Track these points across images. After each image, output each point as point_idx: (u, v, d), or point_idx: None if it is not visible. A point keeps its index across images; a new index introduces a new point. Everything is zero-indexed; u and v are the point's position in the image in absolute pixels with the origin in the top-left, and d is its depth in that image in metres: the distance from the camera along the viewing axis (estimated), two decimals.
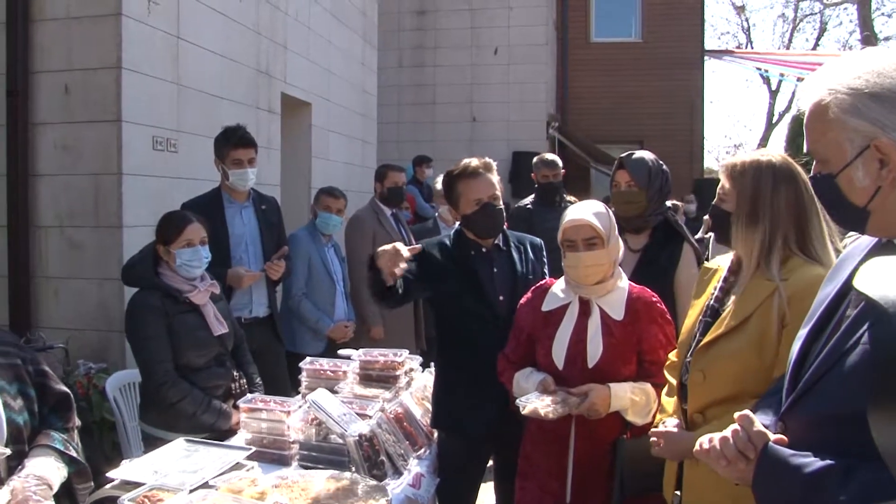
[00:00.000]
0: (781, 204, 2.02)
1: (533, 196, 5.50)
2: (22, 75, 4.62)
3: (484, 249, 3.07)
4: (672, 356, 2.37)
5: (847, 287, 1.45)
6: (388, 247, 2.68)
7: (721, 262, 2.22)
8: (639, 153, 3.33)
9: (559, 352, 2.60)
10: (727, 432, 1.43)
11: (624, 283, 2.68)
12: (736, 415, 1.44)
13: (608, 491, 2.55)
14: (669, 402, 2.25)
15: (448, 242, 3.12)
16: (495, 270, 3.05)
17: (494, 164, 3.08)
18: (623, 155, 3.33)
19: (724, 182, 2.13)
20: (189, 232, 3.19)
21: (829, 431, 1.33)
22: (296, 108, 7.47)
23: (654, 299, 2.68)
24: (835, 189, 1.39)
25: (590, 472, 2.58)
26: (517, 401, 2.54)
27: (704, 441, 1.49)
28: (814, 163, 1.45)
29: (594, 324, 2.59)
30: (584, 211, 2.63)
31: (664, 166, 3.32)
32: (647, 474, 2.37)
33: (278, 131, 6.86)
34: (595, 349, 2.55)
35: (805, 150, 1.47)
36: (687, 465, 2.11)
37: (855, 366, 1.29)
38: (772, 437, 1.39)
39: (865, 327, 1.29)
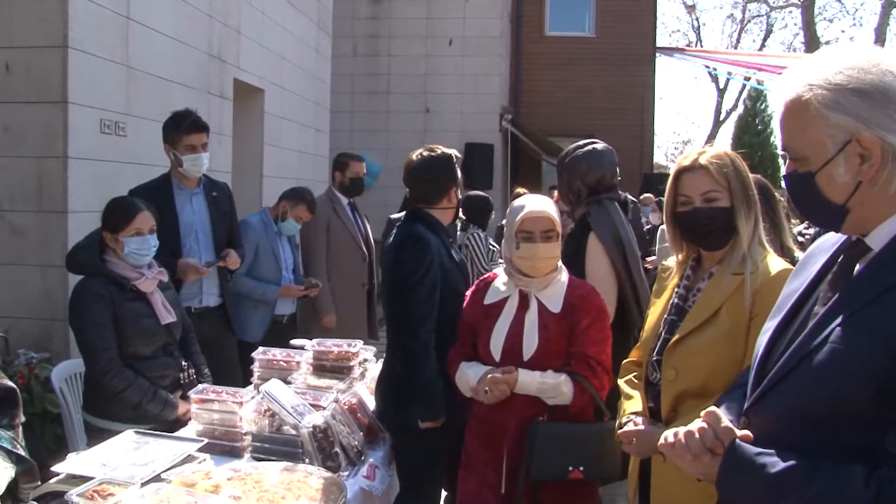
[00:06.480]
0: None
1: None
2: None
3: None
4: (632, 356, 2.33)
5: (815, 284, 1.45)
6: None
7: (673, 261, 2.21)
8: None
9: (497, 344, 2.63)
10: (693, 427, 1.41)
11: (564, 276, 2.70)
12: (703, 412, 1.42)
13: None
14: (631, 402, 2.19)
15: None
16: None
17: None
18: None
19: (708, 181, 2.05)
20: (139, 220, 3.12)
21: (794, 429, 1.33)
22: (248, 95, 7.34)
23: (589, 291, 2.70)
24: (813, 187, 1.36)
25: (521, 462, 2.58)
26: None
27: (669, 435, 1.46)
28: (787, 161, 1.41)
29: (531, 317, 2.62)
30: (543, 203, 2.64)
31: None
32: (555, 460, 2.45)
33: (230, 117, 6.74)
34: (531, 342, 2.58)
35: (781, 147, 1.42)
36: (655, 463, 2.06)
37: (823, 365, 1.29)
38: (738, 433, 1.38)
39: (833, 325, 1.29)
